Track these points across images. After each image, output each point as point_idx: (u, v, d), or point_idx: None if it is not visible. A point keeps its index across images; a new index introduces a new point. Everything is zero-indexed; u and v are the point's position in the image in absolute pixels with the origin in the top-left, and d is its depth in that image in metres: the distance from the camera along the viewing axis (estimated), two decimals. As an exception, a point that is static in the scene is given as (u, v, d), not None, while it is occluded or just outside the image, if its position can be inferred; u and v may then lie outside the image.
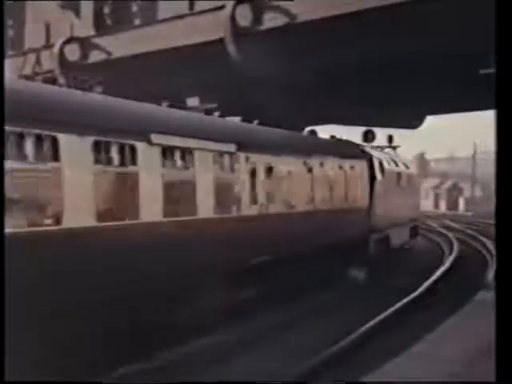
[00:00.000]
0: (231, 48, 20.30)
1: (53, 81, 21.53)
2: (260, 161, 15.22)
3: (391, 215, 24.53)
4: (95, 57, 24.88)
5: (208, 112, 14.97)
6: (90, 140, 10.11)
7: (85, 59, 25.04)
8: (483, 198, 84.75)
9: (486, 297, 14.67)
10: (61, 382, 9.05)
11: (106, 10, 26.98)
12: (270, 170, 15.72)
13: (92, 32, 25.94)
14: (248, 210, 14.61)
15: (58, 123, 9.65)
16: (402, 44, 19.64)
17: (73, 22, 26.56)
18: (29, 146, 9.12)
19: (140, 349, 10.83)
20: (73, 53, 25.10)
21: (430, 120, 37.11)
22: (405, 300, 16.57)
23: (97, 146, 10.25)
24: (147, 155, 11.35)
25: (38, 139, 9.24)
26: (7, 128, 8.24)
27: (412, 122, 35.94)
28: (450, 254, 28.97)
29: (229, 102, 16.34)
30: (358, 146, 23.85)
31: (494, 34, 6.00)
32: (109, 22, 26.89)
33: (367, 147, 24.98)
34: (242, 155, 14.38)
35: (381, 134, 33.80)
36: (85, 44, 25.12)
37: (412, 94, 27.07)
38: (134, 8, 26.89)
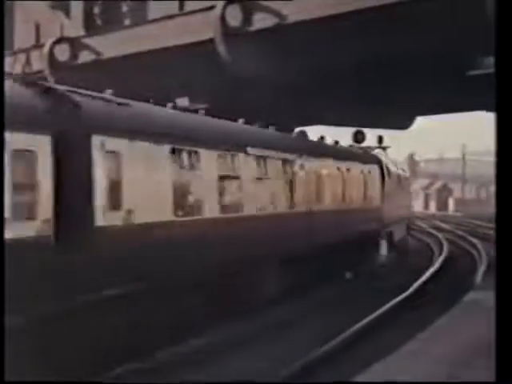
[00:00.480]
0: (221, 48, 20.28)
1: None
2: (310, 167, 19.13)
3: (394, 214, 27.93)
4: (85, 57, 24.81)
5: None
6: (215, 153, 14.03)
7: (75, 59, 24.96)
8: (473, 198, 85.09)
9: (476, 297, 14.76)
10: (61, 382, 9.05)
11: (96, 10, 26.92)
12: (317, 174, 19.77)
13: (82, 32, 25.88)
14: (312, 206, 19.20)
15: (202, 142, 13.46)
16: (392, 45, 19.67)
17: (63, 22, 26.51)
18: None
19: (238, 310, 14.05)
20: (63, 53, 25.02)
21: (420, 121, 37.23)
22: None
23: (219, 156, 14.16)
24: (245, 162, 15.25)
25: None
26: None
27: (402, 122, 35.99)
28: (440, 254, 29.10)
29: (219, 102, 16.33)
30: (371, 151, 28.08)
31: (484, 36, 6.00)
32: (99, 22, 26.84)
33: (377, 152, 28.77)
34: (298, 162, 18.23)
35: (371, 135, 33.97)
36: (75, 44, 25.04)
37: (402, 95, 27.13)
38: (124, 8, 26.85)
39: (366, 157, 26.13)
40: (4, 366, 6.77)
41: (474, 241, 34.41)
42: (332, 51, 20.35)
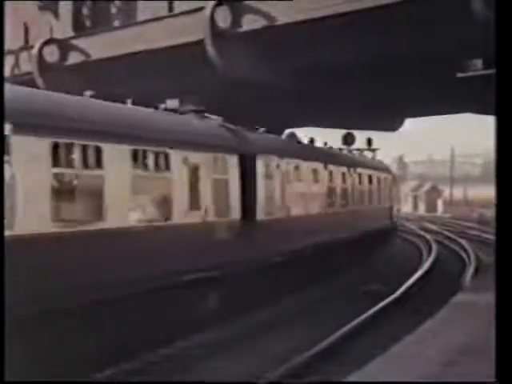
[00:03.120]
0: (210, 50, 20.28)
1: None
2: (337, 173, 23.59)
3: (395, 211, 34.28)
4: (74, 58, 24.76)
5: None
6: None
7: (63, 61, 24.91)
8: (461, 199, 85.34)
9: (466, 298, 14.80)
10: (61, 382, 9.02)
11: (85, 11, 26.87)
12: (344, 179, 24.24)
13: (71, 33, 25.83)
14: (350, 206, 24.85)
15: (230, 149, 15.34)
16: (381, 47, 19.71)
17: (51, 24, 26.45)
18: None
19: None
20: (51, 54, 24.96)
21: (409, 123, 37.31)
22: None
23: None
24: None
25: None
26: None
27: (391, 124, 36.06)
28: (429, 254, 29.16)
29: (208, 103, 16.33)
30: (381, 162, 33.44)
31: (473, 37, 6.02)
32: (88, 23, 26.79)
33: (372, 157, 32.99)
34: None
35: (360, 137, 34.02)
36: (63, 45, 24.99)
37: (391, 97, 27.18)
38: (113, 9, 26.82)
39: (380, 166, 32.31)
40: (4, 365, 6.72)
41: (463, 242, 34.51)
42: (321, 53, 20.37)
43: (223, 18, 20.05)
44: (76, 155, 10.39)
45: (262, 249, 16.11)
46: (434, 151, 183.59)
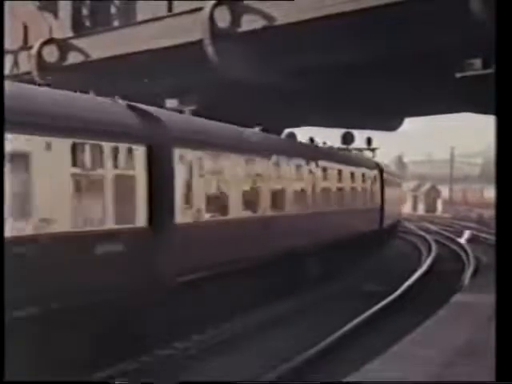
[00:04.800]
0: (210, 50, 20.27)
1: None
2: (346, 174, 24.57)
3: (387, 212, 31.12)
4: (73, 58, 24.76)
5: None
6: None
7: (63, 61, 24.90)
8: (460, 199, 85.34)
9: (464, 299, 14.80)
10: (61, 382, 9.01)
11: (85, 11, 26.88)
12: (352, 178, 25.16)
13: (70, 33, 25.83)
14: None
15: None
16: (381, 47, 19.71)
17: (51, 24, 26.45)
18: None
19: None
20: (51, 54, 24.96)
21: (409, 122, 37.31)
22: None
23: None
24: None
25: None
26: None
27: (391, 124, 36.06)
28: (429, 255, 29.16)
29: (207, 103, 16.31)
30: (372, 160, 31.84)
31: (472, 37, 6.01)
32: (87, 23, 26.80)
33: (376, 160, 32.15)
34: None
35: (359, 136, 34.03)
36: (63, 45, 24.98)
37: (391, 96, 27.18)
38: (113, 9, 26.83)
39: (370, 164, 30.31)
40: (4, 366, 6.71)
41: (462, 242, 34.54)
42: (320, 53, 20.37)
43: (222, 18, 20.04)
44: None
45: None
46: (433, 151, 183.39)
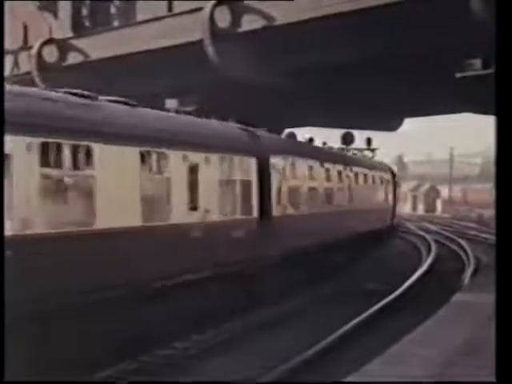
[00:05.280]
0: (210, 49, 20.29)
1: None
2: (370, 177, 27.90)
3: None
4: (73, 59, 24.76)
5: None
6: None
7: (63, 61, 24.91)
8: (460, 199, 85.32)
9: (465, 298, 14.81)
10: (61, 382, 9.01)
11: (84, 11, 26.88)
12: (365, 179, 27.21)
13: (70, 34, 25.84)
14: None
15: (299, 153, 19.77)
16: (381, 47, 19.73)
17: (51, 24, 26.45)
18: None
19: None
20: (51, 54, 24.97)
21: (409, 122, 37.32)
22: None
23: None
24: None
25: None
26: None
27: (390, 124, 36.08)
28: (428, 254, 29.16)
29: (207, 103, 16.33)
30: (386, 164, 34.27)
31: (472, 37, 6.01)
32: (87, 23, 26.81)
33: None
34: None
35: (359, 136, 34.03)
36: (63, 46, 24.99)
37: (390, 97, 27.19)
38: (112, 10, 26.83)
39: (383, 167, 32.94)
40: (4, 366, 6.70)
41: (463, 242, 34.51)
42: (319, 53, 20.38)
43: (222, 18, 20.06)
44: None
45: None
46: (433, 151, 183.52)
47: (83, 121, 10.72)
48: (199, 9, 20.72)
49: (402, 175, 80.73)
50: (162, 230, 12.28)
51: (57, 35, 25.77)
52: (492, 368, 6.16)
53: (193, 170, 13.43)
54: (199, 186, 13.63)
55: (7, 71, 25.06)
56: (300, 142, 24.33)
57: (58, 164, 9.91)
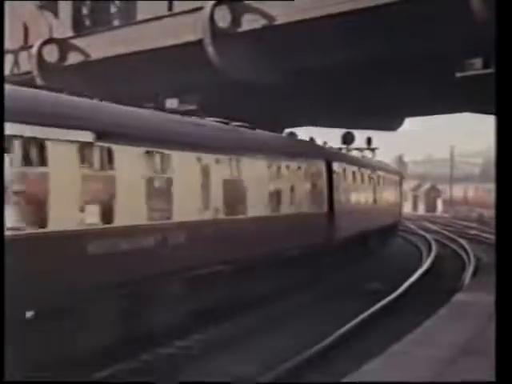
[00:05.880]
0: (210, 49, 20.27)
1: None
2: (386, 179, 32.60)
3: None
4: (73, 58, 24.74)
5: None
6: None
7: (63, 61, 24.89)
8: (460, 199, 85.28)
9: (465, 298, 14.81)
10: (61, 382, 9.01)
11: (85, 10, 26.87)
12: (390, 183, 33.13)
13: (70, 33, 25.81)
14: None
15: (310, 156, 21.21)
16: (381, 47, 19.71)
17: (51, 23, 26.44)
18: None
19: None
20: (51, 54, 24.95)
21: (409, 122, 37.32)
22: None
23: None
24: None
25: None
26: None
27: (391, 124, 36.06)
28: (429, 254, 29.17)
29: (207, 103, 16.32)
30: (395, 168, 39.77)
31: (472, 37, 6.01)
32: (87, 23, 26.78)
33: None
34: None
35: (359, 136, 34.05)
36: (63, 45, 24.97)
37: (391, 96, 27.18)
38: (113, 9, 26.81)
39: (391, 168, 37.52)
40: (4, 366, 6.70)
41: (463, 242, 34.53)
42: (321, 53, 20.37)
43: (223, 18, 20.03)
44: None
45: None
46: (433, 151, 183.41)
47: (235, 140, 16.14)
48: (199, 8, 20.71)
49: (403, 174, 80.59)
50: (287, 217, 18.08)
51: (57, 35, 25.74)
52: (492, 368, 6.17)
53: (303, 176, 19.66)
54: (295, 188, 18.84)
55: (7, 71, 25.04)
56: (344, 152, 30.77)
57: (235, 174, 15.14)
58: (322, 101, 26.50)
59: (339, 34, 18.85)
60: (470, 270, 23.30)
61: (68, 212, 10.21)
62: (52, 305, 9.65)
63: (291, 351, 11.70)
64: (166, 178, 12.59)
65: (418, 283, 20.64)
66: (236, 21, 19.96)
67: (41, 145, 9.74)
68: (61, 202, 9.98)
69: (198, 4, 20.94)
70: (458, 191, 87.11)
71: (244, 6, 19.90)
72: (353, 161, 27.40)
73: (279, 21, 19.24)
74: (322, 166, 21.30)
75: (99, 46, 24.00)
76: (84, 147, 10.49)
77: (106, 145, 10.98)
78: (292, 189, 18.49)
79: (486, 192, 66.88)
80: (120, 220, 11.16)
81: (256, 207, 16.10)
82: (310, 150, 21.95)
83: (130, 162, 11.57)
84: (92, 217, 10.67)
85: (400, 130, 37.22)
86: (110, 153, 11.04)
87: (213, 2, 20.20)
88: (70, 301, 9.99)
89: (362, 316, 14.90)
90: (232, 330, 13.76)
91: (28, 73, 24.97)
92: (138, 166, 11.82)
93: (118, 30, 24.36)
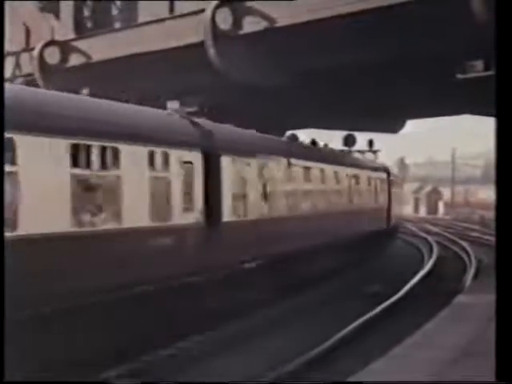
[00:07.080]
0: (211, 51, 20.28)
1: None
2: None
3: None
4: (75, 60, 24.76)
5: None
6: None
7: (64, 63, 24.90)
8: (462, 201, 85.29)
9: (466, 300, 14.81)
10: (61, 382, 9.02)
11: (86, 12, 26.88)
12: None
13: (72, 35, 25.83)
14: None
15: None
16: (383, 49, 19.72)
17: (52, 25, 26.45)
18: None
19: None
20: (53, 56, 24.96)
21: (410, 124, 37.31)
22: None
23: None
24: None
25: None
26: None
27: (392, 126, 36.07)
28: (430, 256, 29.18)
29: (208, 105, 16.32)
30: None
31: (473, 39, 6.01)
32: (89, 25, 26.80)
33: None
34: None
35: (361, 138, 34.04)
36: (65, 47, 24.98)
37: (392, 99, 27.19)
38: (114, 11, 26.83)
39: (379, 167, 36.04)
40: (4, 366, 6.70)
41: (464, 244, 34.53)
42: (322, 55, 20.38)
43: (224, 20, 20.04)
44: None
45: None
46: (435, 153, 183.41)
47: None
48: (201, 10, 20.71)
49: (404, 177, 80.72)
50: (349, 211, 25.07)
51: (59, 36, 25.76)
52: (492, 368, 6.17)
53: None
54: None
55: (9, 73, 25.07)
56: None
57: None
58: (323, 103, 26.50)
59: (341, 36, 18.84)
60: (471, 271, 23.29)
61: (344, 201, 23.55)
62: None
63: (291, 353, 11.70)
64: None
65: (419, 285, 20.65)
66: (237, 23, 19.96)
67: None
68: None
69: (199, 6, 20.95)
70: (459, 193, 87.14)
71: (245, 8, 19.90)
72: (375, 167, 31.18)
73: (282, 22, 19.22)
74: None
75: (101, 48, 24.02)
76: None
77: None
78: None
79: (486, 194, 66.90)
80: None
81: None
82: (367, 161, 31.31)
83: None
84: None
85: (402, 132, 37.27)
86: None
87: (214, 4, 20.21)
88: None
89: (361, 319, 14.89)
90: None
91: (29, 75, 25.00)
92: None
93: (119, 32, 24.38)
